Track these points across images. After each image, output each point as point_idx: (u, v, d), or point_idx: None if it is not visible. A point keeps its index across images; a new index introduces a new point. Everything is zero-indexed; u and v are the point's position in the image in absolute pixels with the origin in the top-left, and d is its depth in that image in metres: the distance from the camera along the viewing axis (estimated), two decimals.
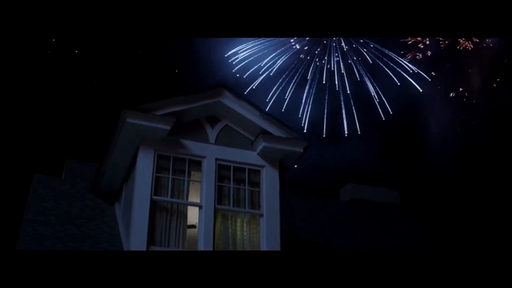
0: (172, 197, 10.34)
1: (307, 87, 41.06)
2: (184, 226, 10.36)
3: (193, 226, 11.27)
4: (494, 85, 33.95)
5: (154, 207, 10.20)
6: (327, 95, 40.31)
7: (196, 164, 10.64)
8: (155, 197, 10.21)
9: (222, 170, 10.72)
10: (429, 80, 38.50)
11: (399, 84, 38.36)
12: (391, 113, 38.29)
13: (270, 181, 10.81)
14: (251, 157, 10.87)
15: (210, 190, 10.41)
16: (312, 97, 39.31)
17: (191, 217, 11.45)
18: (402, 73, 39.57)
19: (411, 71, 39.40)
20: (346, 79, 41.65)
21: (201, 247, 10.08)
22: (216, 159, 10.67)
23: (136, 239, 9.81)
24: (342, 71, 41.16)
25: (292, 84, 39.82)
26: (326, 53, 41.84)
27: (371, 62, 42.00)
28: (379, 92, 39.14)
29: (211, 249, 10.04)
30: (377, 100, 40.70)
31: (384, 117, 39.04)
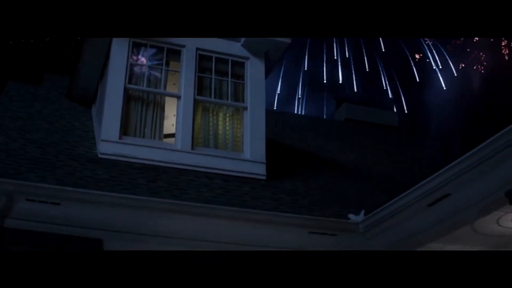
0: (149, 87, 9.59)
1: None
2: (161, 118, 9.61)
3: (171, 136, 10.54)
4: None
5: (129, 96, 9.47)
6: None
7: (174, 53, 9.86)
8: (129, 86, 9.46)
9: (203, 61, 9.93)
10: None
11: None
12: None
13: (255, 74, 10.02)
14: (234, 48, 10.06)
15: (189, 81, 9.64)
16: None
17: (168, 126, 10.75)
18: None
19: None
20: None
21: (178, 140, 9.35)
22: (197, 49, 9.88)
23: (108, 127, 9.07)
24: None
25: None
26: None
27: None
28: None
29: (190, 143, 9.31)
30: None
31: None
